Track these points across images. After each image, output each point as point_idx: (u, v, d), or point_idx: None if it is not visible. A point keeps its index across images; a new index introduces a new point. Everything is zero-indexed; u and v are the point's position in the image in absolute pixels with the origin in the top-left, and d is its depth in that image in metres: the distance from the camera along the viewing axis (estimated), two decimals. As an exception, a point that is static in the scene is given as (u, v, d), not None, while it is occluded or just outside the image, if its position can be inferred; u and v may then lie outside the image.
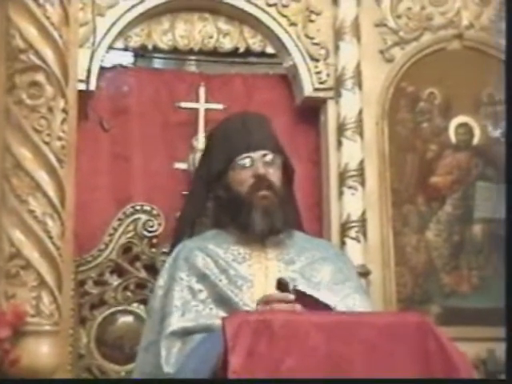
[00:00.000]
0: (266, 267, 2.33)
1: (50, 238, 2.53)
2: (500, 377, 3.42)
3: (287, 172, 2.46)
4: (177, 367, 2.16)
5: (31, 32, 2.55)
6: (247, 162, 2.33)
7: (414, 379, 1.94)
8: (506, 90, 3.35)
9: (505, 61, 3.56)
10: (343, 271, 2.40)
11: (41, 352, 2.49)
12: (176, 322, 2.23)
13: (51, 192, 2.55)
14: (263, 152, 2.34)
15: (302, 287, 2.19)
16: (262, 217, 2.31)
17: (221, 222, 2.42)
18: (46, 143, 2.55)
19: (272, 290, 2.23)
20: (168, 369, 2.18)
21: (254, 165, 2.32)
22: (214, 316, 2.23)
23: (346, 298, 2.32)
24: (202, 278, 2.29)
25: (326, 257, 2.41)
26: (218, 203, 2.39)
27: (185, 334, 2.21)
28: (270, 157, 2.34)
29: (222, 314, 2.20)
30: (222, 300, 2.26)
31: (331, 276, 2.35)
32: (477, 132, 3.92)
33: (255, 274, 2.30)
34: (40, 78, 2.57)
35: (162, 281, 2.43)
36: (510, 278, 2.91)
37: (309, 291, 2.20)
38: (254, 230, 2.30)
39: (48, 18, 2.57)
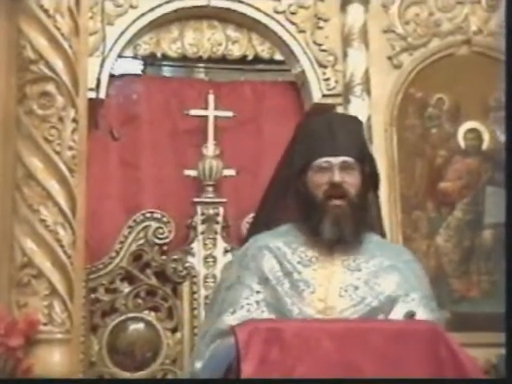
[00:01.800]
0: (330, 272, 2.31)
1: (62, 246, 2.55)
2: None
3: (372, 177, 2.43)
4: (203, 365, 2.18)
5: (41, 43, 2.58)
6: (325, 165, 2.30)
7: (419, 379, 1.94)
8: (507, 95, 3.34)
9: (505, 62, 3.55)
10: (410, 281, 2.36)
11: (53, 360, 2.51)
12: (225, 321, 2.23)
13: (62, 201, 2.57)
14: (343, 158, 2.31)
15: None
16: (331, 225, 2.28)
17: (296, 217, 2.39)
18: (57, 153, 2.57)
19: (333, 296, 2.24)
20: (197, 364, 2.20)
21: (331, 170, 2.30)
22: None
23: (405, 312, 2.28)
24: (265, 281, 2.29)
25: (394, 265, 2.37)
26: (297, 198, 2.37)
27: (227, 333, 2.21)
28: (349, 163, 2.31)
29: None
30: (277, 306, 2.26)
31: (396, 286, 2.32)
32: (486, 137, 3.92)
33: (319, 279, 2.29)
34: (50, 88, 2.59)
35: (226, 274, 2.42)
36: (510, 283, 2.91)
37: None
38: (322, 238, 2.30)
39: (58, 28, 2.59)
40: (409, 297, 2.29)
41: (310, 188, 2.31)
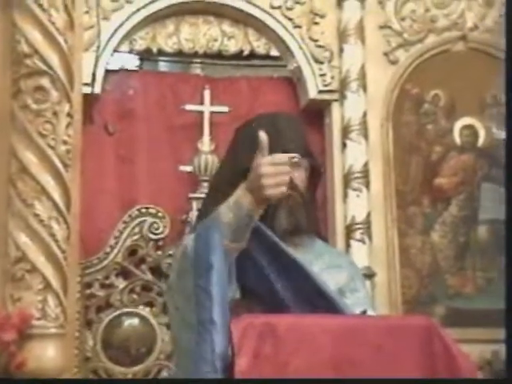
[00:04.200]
0: None
1: (56, 241, 2.54)
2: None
3: (313, 176, 2.45)
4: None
5: (36, 37, 2.56)
6: None
7: (416, 379, 1.95)
8: (507, 92, 3.34)
9: (505, 60, 3.56)
10: (355, 281, 2.40)
11: (47, 355, 2.50)
12: None
13: (57, 196, 2.56)
14: (291, 155, 2.33)
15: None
16: (286, 216, 2.30)
17: None
18: (52, 147, 2.56)
19: None
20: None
21: None
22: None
23: (353, 307, 2.32)
24: None
25: (341, 265, 2.41)
26: None
27: None
28: (296, 160, 2.33)
29: None
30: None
31: (344, 283, 2.36)
32: (481, 133, 3.92)
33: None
34: (45, 82, 2.58)
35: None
36: (510, 279, 2.91)
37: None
38: (278, 228, 2.30)
39: (53, 23, 2.58)
40: (354, 294, 2.33)
41: None
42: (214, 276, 2.06)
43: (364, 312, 2.22)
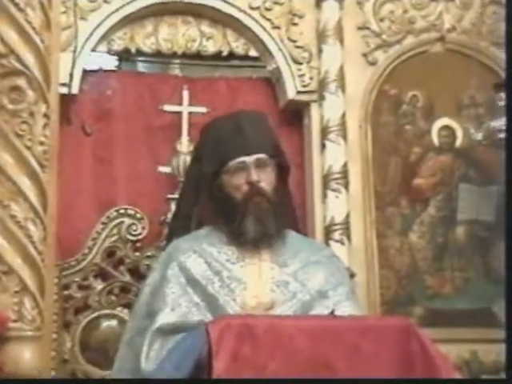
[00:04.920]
0: (259, 268, 2.32)
1: (32, 242, 2.53)
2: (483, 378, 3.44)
3: (282, 171, 2.43)
4: (156, 363, 2.14)
5: (12, 36, 2.55)
6: (240, 166, 2.30)
7: (404, 379, 1.95)
8: (507, 96, 3.34)
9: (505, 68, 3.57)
10: (335, 275, 2.39)
11: (23, 357, 2.48)
12: (165, 318, 2.22)
13: (33, 197, 2.55)
14: (257, 156, 2.32)
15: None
16: (254, 224, 2.30)
17: (215, 221, 2.39)
18: (28, 148, 2.55)
19: (265, 291, 2.24)
20: (146, 365, 2.16)
21: (247, 169, 2.30)
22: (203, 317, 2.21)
23: (337, 305, 2.31)
24: (193, 282, 2.28)
25: (319, 260, 2.40)
26: (212, 202, 2.37)
27: (171, 331, 2.20)
28: (263, 160, 2.32)
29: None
30: (209, 306, 2.25)
31: (324, 281, 2.34)
32: (459, 134, 3.93)
33: (249, 275, 2.30)
34: (21, 82, 2.57)
35: (151, 279, 2.40)
36: (510, 279, 2.91)
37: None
38: (246, 237, 2.29)
39: (29, 22, 2.57)
40: (337, 291, 2.32)
41: (227, 191, 2.31)
42: None
43: (332, 312, 2.21)
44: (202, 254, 2.31)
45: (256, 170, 2.30)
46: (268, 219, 2.30)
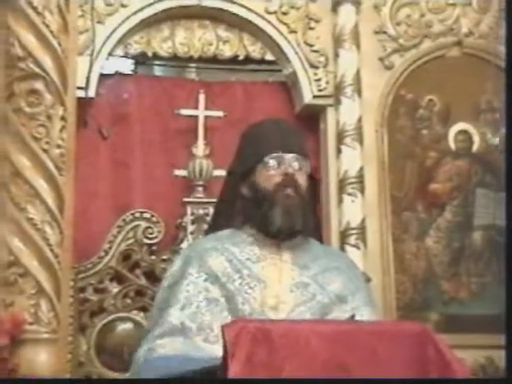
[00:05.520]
0: (280, 269, 2.32)
1: (49, 245, 2.54)
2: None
3: (312, 181, 2.45)
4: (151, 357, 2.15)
5: (30, 40, 2.57)
6: (277, 161, 2.32)
7: (412, 379, 1.94)
8: (506, 97, 3.34)
9: (505, 68, 3.57)
10: (354, 282, 2.39)
11: (39, 360, 2.49)
12: (173, 316, 2.22)
13: (50, 200, 2.56)
14: (294, 155, 2.34)
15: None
16: (282, 215, 2.29)
17: (239, 221, 2.40)
18: (45, 151, 2.56)
19: (284, 291, 2.24)
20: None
21: (284, 165, 2.32)
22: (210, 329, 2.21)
23: (355, 311, 2.31)
24: (214, 279, 2.28)
25: (339, 266, 2.40)
26: (241, 203, 2.37)
27: (176, 332, 2.20)
28: (299, 161, 2.34)
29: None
30: (228, 304, 2.25)
31: (343, 286, 2.34)
32: (476, 139, 3.92)
33: (269, 275, 2.29)
34: (39, 85, 2.58)
35: (170, 271, 2.40)
36: (510, 283, 2.91)
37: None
38: (272, 227, 2.29)
39: (47, 25, 2.58)
40: (355, 296, 2.32)
41: (259, 184, 2.31)
42: None
43: (352, 317, 2.21)
44: (224, 253, 2.31)
45: (292, 167, 2.31)
46: (296, 214, 2.30)
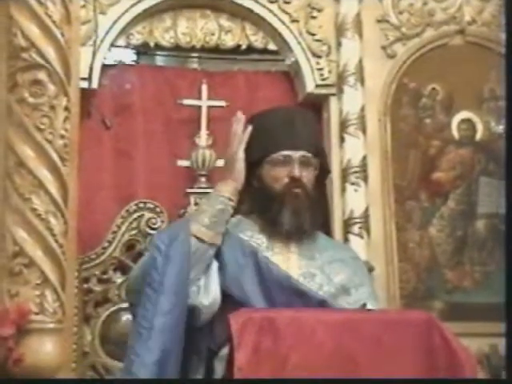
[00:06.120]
0: (288, 259, 2.32)
1: (53, 235, 2.54)
2: (503, 372, 3.42)
3: (322, 173, 2.43)
4: None
5: (33, 30, 2.56)
6: (284, 159, 2.30)
7: (414, 379, 1.94)
8: (507, 85, 3.34)
9: (505, 55, 3.55)
10: (358, 275, 2.39)
11: (44, 350, 2.50)
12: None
13: (54, 190, 2.55)
14: (302, 153, 2.31)
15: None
16: (291, 216, 2.28)
17: (250, 210, 2.39)
18: (49, 141, 2.56)
19: None
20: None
21: (291, 164, 2.30)
22: None
23: (357, 304, 2.31)
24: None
25: (344, 259, 2.40)
26: (249, 191, 2.36)
27: None
28: (308, 158, 2.32)
29: None
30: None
31: (348, 279, 2.35)
32: (479, 127, 3.91)
33: (277, 264, 2.30)
34: (42, 76, 2.58)
35: None
36: (510, 274, 2.91)
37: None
38: (281, 228, 2.29)
39: (49, 16, 2.58)
40: (359, 290, 2.33)
41: (267, 181, 2.30)
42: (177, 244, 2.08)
43: (364, 305, 2.22)
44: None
45: (299, 167, 2.29)
46: (304, 214, 2.29)
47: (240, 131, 2.28)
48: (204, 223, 2.18)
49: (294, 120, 2.33)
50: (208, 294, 2.18)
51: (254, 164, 2.31)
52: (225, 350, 2.08)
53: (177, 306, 2.12)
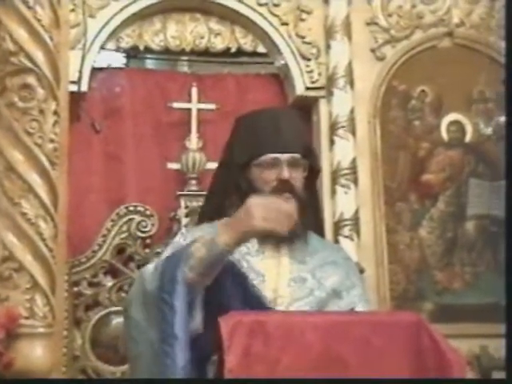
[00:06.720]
0: (278, 263, 2.31)
1: (43, 240, 2.52)
2: (493, 373, 3.43)
3: (312, 172, 2.42)
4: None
5: (21, 34, 2.54)
6: (272, 161, 2.28)
7: (413, 379, 1.95)
8: (507, 85, 3.34)
9: (505, 56, 3.56)
10: (350, 278, 2.38)
11: (35, 354, 2.48)
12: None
13: (43, 194, 2.54)
14: (290, 155, 2.29)
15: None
16: None
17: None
18: (38, 145, 2.54)
19: (283, 286, 2.24)
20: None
21: (279, 166, 2.28)
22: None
23: (348, 308, 2.31)
24: None
25: (336, 261, 2.39)
26: (238, 194, 2.34)
27: None
28: (296, 159, 2.30)
29: None
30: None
31: (339, 282, 2.34)
32: (469, 129, 3.93)
33: (267, 268, 2.29)
34: (31, 80, 2.56)
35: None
36: (510, 275, 2.91)
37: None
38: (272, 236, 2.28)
39: (38, 20, 2.56)
40: (350, 293, 2.32)
41: (256, 185, 2.28)
42: (179, 290, 2.04)
43: (352, 309, 2.22)
44: None
45: (288, 168, 2.27)
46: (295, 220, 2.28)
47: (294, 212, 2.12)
48: (199, 271, 2.06)
49: (280, 121, 2.31)
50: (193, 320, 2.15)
51: (242, 166, 2.31)
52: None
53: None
